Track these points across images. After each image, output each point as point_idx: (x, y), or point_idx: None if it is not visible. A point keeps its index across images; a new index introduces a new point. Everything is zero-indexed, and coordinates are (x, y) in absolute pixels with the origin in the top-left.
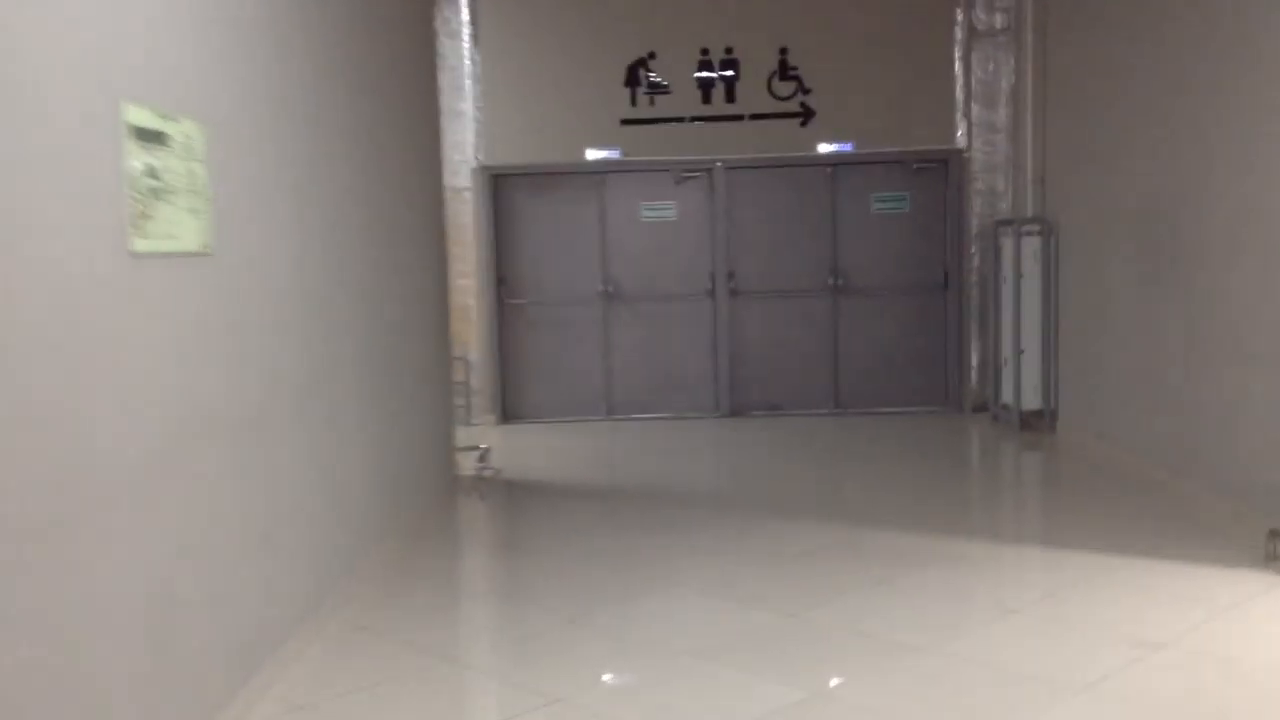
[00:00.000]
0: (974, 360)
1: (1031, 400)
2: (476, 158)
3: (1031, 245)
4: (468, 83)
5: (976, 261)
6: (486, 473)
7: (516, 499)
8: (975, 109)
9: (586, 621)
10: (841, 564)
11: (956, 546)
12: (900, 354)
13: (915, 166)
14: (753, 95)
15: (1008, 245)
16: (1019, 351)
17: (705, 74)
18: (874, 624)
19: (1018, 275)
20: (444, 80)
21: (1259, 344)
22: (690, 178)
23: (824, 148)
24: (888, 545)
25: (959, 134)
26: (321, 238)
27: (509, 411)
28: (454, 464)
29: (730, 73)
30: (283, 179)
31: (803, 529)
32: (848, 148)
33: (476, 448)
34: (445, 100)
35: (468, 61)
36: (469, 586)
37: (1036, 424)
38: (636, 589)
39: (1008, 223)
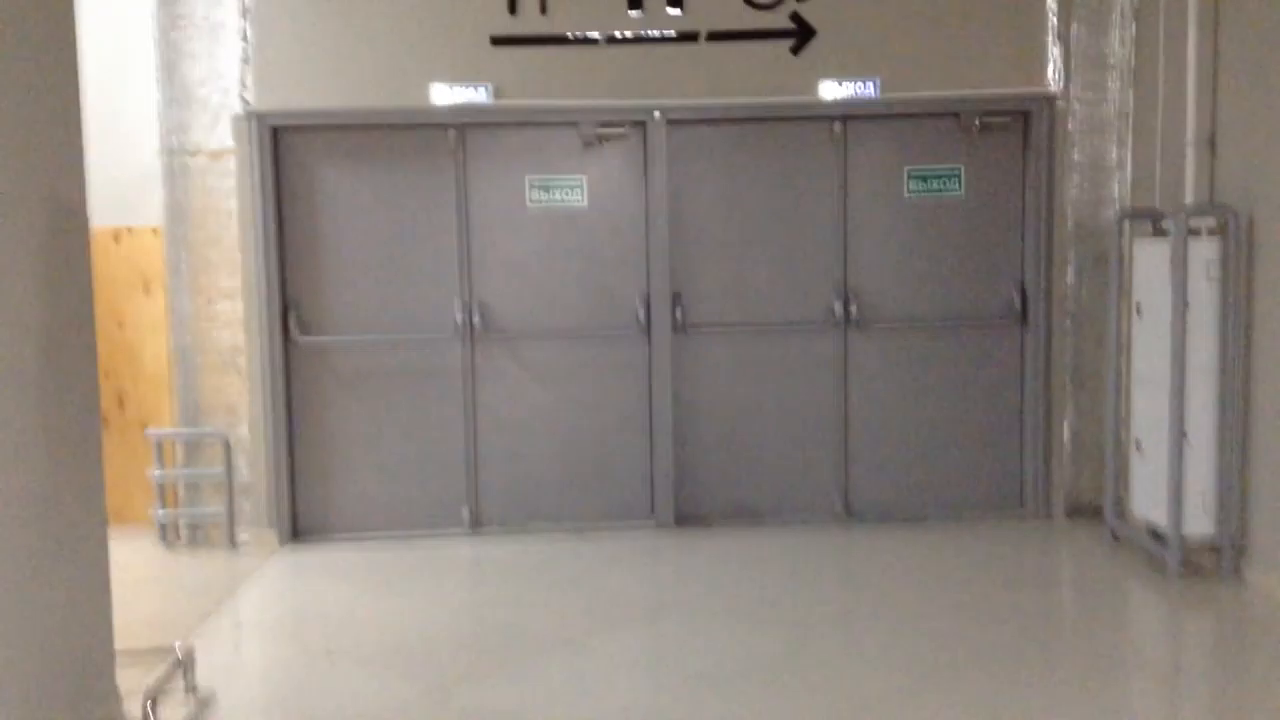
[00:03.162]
0: (1065, 436)
1: (1199, 521)
2: (244, 98)
3: (1202, 253)
4: None
5: (1072, 279)
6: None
7: None
8: (1076, 31)
9: None
10: None
11: None
12: (948, 426)
13: (977, 123)
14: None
15: (1148, 253)
16: (1180, 434)
17: None
18: None
19: (1181, 302)
20: None
21: None
22: (610, 137)
23: (830, 90)
24: None
25: (1049, 71)
26: None
27: (301, 524)
28: (111, 699)
29: None
30: None
31: None
32: (868, 90)
33: (171, 652)
34: (191, 4)
35: None
36: None
37: (1203, 560)
38: None
39: (1148, 216)
